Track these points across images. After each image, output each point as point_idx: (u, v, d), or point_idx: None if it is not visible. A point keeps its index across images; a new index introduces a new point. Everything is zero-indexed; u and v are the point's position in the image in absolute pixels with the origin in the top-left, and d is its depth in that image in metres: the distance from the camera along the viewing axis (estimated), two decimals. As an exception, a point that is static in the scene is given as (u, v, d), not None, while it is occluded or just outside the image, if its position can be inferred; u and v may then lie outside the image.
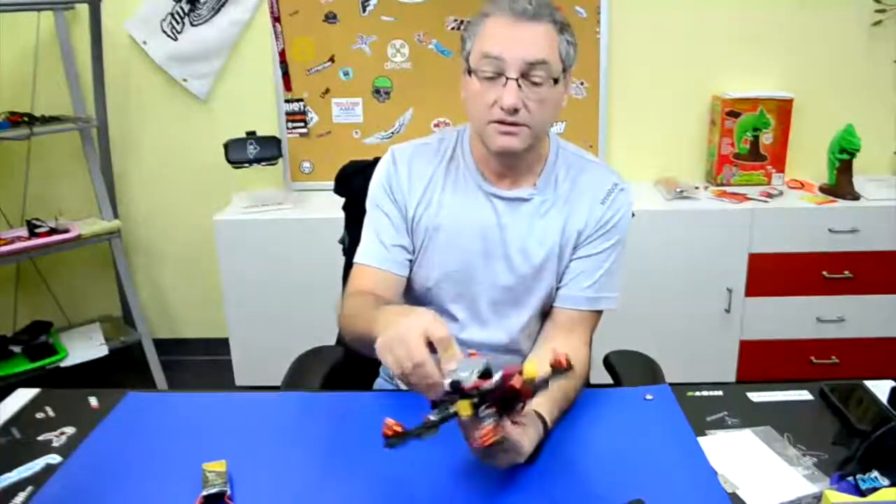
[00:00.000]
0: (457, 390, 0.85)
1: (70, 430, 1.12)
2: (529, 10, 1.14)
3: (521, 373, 0.85)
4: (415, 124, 2.69)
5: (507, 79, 1.13)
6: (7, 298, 2.77)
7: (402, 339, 0.89)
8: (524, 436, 0.95)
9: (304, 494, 0.96)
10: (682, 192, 2.51)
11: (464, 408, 0.85)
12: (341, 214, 1.56)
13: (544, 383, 0.89)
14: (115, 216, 2.62)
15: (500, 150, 1.19)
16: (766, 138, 2.60)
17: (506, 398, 0.85)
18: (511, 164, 1.25)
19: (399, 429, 0.84)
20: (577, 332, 1.26)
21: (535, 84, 1.14)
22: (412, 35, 2.61)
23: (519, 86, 1.13)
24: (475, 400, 0.85)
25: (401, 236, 1.28)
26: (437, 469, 0.86)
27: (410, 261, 1.30)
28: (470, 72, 1.18)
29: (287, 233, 2.48)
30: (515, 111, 1.14)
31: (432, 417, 0.86)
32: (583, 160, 1.30)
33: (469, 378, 0.85)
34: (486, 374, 0.86)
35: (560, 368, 0.93)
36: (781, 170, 2.64)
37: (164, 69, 2.65)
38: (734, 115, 2.57)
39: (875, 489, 0.89)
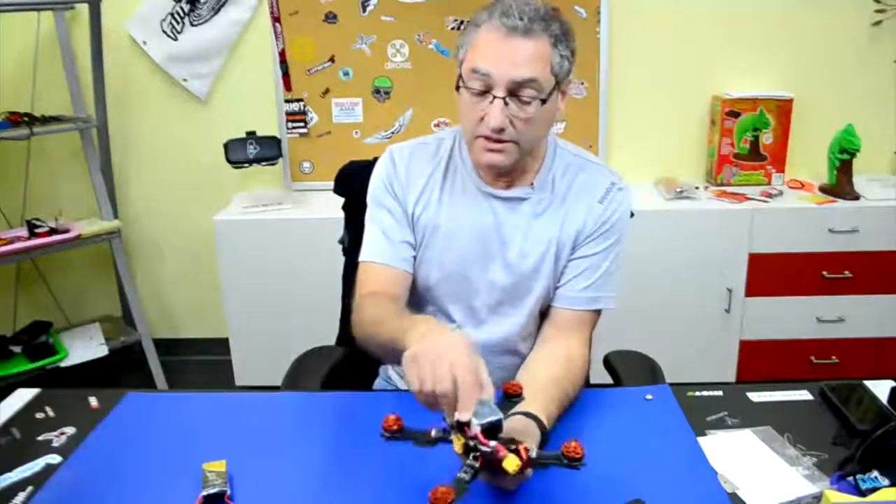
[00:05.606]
0: (460, 428, 0.86)
1: (70, 430, 1.12)
2: (520, 25, 1.09)
3: (502, 461, 0.84)
4: (415, 124, 2.69)
5: (494, 97, 1.11)
6: (7, 298, 2.77)
7: (432, 361, 0.88)
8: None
9: (304, 494, 0.96)
10: (682, 192, 2.51)
11: (457, 443, 0.87)
12: (341, 214, 1.56)
13: (531, 465, 0.88)
14: (115, 216, 2.62)
15: (485, 165, 1.19)
16: (766, 138, 2.60)
17: (492, 463, 0.85)
18: (504, 171, 1.24)
19: (399, 425, 0.89)
20: (575, 332, 1.25)
21: (524, 102, 1.12)
22: (412, 35, 2.61)
23: (506, 103, 1.11)
24: (470, 444, 0.85)
25: (405, 232, 1.28)
26: (437, 469, 0.86)
27: (414, 257, 1.29)
28: (459, 85, 1.16)
29: (287, 233, 2.48)
30: (501, 130, 1.13)
31: (434, 433, 0.90)
32: (580, 160, 1.29)
33: (475, 425, 0.84)
34: (492, 429, 0.85)
35: (512, 395, 0.94)
36: (781, 170, 2.64)
37: (164, 69, 2.65)
38: (734, 115, 2.57)
39: (875, 489, 0.90)
